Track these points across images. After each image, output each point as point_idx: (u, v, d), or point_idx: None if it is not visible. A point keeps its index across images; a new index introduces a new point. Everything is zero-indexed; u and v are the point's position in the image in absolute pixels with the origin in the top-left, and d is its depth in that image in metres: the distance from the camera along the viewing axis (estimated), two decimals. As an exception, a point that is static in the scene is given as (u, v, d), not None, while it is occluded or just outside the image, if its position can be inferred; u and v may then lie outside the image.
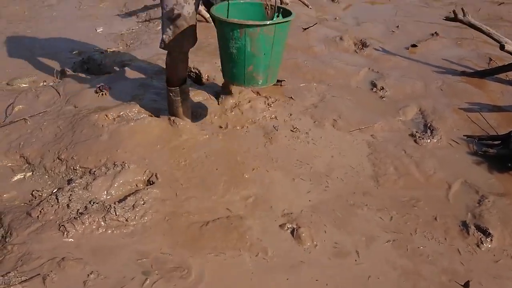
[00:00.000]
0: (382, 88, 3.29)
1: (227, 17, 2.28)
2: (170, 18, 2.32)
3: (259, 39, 2.13)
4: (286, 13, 2.35)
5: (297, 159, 2.50)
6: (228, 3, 2.36)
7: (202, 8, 4.25)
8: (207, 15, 4.24)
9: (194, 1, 2.32)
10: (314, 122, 2.83)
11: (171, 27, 2.34)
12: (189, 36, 2.40)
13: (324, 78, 3.36)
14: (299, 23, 4.33)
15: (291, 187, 2.31)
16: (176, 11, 2.29)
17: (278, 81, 3.18)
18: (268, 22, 2.14)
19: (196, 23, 2.42)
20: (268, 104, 2.96)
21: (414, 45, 4.05)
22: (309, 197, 2.24)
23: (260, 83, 2.33)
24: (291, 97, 3.07)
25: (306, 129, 2.75)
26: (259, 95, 3.03)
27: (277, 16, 2.33)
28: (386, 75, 3.47)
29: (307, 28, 4.10)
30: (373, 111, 3.04)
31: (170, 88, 2.59)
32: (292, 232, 2.01)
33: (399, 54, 3.89)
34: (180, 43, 2.40)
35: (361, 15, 4.76)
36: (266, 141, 2.62)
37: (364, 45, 3.98)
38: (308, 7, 4.31)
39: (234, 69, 2.29)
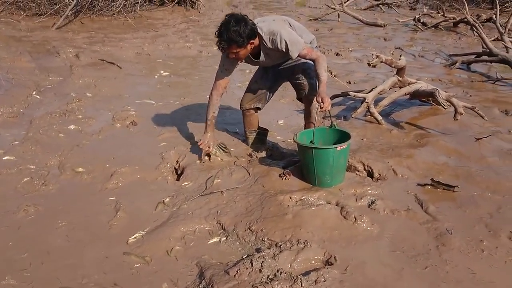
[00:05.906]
0: None
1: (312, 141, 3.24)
2: None
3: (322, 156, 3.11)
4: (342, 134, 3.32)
5: (468, 266, 2.52)
6: (314, 130, 3.30)
7: (375, 111, 4.60)
8: (380, 118, 4.55)
9: None
10: (489, 231, 2.82)
11: None
12: None
13: (499, 189, 3.33)
14: (471, 133, 4.39)
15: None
16: None
17: (450, 186, 3.27)
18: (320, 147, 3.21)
19: None
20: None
21: None
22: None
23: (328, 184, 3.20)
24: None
25: (480, 237, 2.76)
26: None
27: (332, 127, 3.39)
28: None
29: (480, 138, 4.13)
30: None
31: None
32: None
33: None
34: None
35: (538, 129, 4.62)
36: (438, 244, 2.69)
37: (544, 161, 3.85)
38: (483, 118, 4.35)
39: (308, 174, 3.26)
